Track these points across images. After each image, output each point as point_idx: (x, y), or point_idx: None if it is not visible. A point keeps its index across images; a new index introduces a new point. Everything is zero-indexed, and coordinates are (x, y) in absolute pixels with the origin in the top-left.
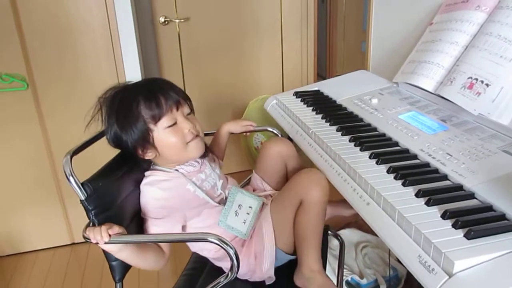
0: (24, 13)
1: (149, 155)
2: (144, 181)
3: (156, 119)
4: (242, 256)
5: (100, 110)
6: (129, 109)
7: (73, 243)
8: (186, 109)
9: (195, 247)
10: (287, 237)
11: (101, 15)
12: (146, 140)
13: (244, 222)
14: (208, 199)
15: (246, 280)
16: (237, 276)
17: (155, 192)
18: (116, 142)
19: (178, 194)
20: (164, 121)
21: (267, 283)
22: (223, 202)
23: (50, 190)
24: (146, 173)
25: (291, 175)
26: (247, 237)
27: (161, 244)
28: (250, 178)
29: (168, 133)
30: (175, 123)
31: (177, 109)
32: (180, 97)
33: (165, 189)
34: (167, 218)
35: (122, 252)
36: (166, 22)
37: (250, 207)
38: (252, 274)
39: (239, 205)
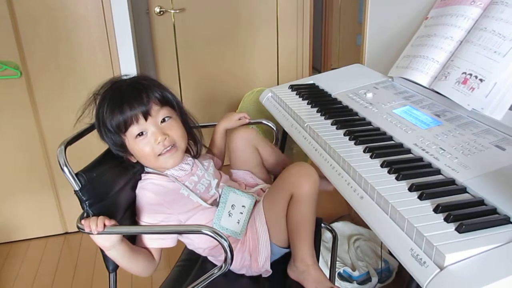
0: (17, 0)
1: (133, 158)
2: (139, 184)
3: (122, 129)
4: (236, 252)
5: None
6: (102, 116)
7: (66, 233)
8: (160, 116)
9: (190, 245)
10: (281, 232)
11: (96, 4)
12: (122, 146)
13: (238, 222)
14: (201, 202)
15: (242, 274)
16: (233, 271)
17: (150, 197)
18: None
19: (172, 199)
20: (133, 130)
21: (264, 276)
22: (216, 203)
23: (43, 179)
24: (142, 176)
25: (267, 159)
26: (241, 237)
27: (152, 250)
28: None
29: (138, 143)
30: (144, 133)
31: (146, 119)
32: (150, 106)
33: (160, 194)
34: (162, 223)
35: (114, 250)
36: (162, 13)
37: (243, 206)
38: (248, 269)
39: (232, 205)
